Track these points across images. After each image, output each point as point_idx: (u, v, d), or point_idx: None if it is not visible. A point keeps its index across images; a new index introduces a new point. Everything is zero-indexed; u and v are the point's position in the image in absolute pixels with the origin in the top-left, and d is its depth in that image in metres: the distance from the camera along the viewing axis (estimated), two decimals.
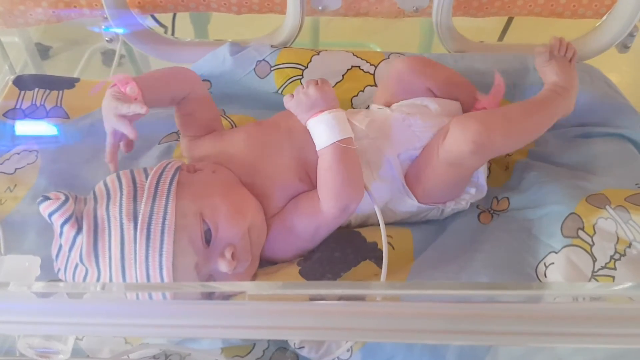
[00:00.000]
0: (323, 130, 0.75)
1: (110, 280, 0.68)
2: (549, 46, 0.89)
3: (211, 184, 0.76)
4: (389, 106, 0.91)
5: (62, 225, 0.68)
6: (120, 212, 0.67)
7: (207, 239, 0.70)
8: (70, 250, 0.69)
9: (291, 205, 0.80)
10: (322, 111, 0.76)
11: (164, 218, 0.67)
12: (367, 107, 0.99)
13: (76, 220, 0.68)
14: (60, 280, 0.76)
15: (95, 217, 0.68)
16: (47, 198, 0.69)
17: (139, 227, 0.66)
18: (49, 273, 0.72)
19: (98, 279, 0.69)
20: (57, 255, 0.72)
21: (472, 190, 0.86)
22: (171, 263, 0.66)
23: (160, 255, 0.66)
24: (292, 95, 0.78)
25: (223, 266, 0.70)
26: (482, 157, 0.81)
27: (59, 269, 0.73)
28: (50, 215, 0.69)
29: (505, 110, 0.85)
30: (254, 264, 0.77)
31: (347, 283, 0.72)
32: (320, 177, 0.77)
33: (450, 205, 0.86)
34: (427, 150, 0.83)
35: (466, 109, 0.91)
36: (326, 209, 0.76)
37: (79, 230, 0.68)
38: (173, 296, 0.66)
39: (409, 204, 0.84)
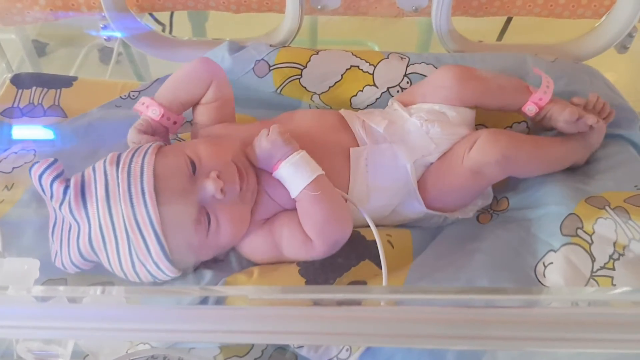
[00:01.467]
0: (288, 180, 0.76)
1: (101, 229, 0.69)
2: (586, 100, 0.89)
3: (192, 139, 0.80)
4: (407, 106, 0.90)
5: (51, 184, 0.71)
6: (104, 162, 0.71)
7: (192, 169, 0.72)
8: (60, 206, 0.71)
9: (284, 227, 0.78)
10: (279, 161, 0.75)
11: (145, 155, 0.71)
12: (378, 98, 0.99)
13: (65, 178, 0.72)
14: (60, 278, 0.77)
15: (82, 174, 0.72)
16: (37, 162, 0.72)
17: (120, 166, 0.70)
18: (48, 271, 0.72)
19: (90, 236, 0.70)
20: (52, 232, 0.75)
21: (480, 202, 0.88)
22: (152, 186, 0.68)
23: (142, 180, 0.68)
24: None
25: (210, 186, 0.70)
26: (504, 170, 0.83)
27: (56, 253, 0.74)
28: (40, 176, 0.71)
29: (534, 137, 0.89)
30: (246, 206, 0.77)
31: (348, 288, 0.72)
32: (304, 223, 0.77)
33: (456, 215, 0.86)
34: (450, 156, 0.84)
35: (516, 107, 0.89)
36: (316, 245, 0.76)
37: (67, 186, 0.71)
38: (165, 237, 0.69)
39: (417, 210, 0.84)
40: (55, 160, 0.72)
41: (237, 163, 0.75)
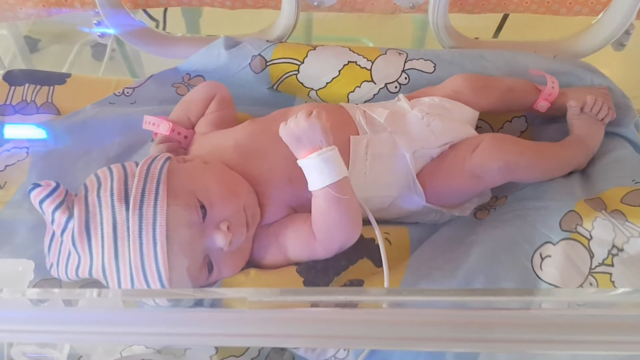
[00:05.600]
0: (313, 172, 0.72)
1: (103, 264, 0.67)
2: (582, 103, 0.90)
3: (202, 170, 0.76)
4: (409, 100, 0.91)
5: (53, 212, 0.68)
6: (112, 195, 0.67)
7: (202, 215, 0.70)
8: (62, 234, 0.68)
9: (289, 228, 0.77)
10: (311, 151, 0.71)
11: (156, 197, 0.67)
12: (376, 94, 0.99)
13: (67, 206, 0.68)
14: (54, 279, 0.75)
15: (86, 202, 0.68)
16: (37, 185, 0.69)
17: (130, 206, 0.66)
18: (40, 272, 0.71)
19: (90, 267, 0.69)
20: (49, 247, 0.72)
21: (477, 200, 0.88)
22: (165, 237, 0.65)
23: (154, 229, 0.65)
24: (286, 122, 0.74)
25: (220, 239, 0.69)
26: (505, 177, 0.83)
27: (51, 264, 0.73)
28: (41, 202, 0.68)
29: (537, 144, 0.89)
30: (248, 247, 0.76)
31: (348, 289, 0.71)
32: (314, 219, 0.74)
33: (454, 212, 0.86)
34: (452, 155, 0.84)
35: (527, 106, 0.95)
36: (321, 246, 0.75)
37: (71, 215, 0.67)
38: (169, 284, 0.67)
39: (416, 202, 0.84)
40: (58, 186, 0.69)
41: (246, 208, 0.74)
